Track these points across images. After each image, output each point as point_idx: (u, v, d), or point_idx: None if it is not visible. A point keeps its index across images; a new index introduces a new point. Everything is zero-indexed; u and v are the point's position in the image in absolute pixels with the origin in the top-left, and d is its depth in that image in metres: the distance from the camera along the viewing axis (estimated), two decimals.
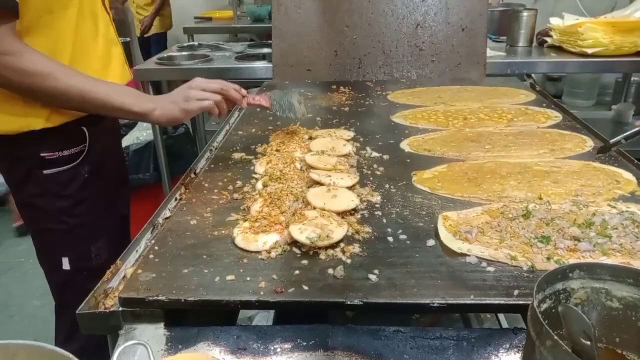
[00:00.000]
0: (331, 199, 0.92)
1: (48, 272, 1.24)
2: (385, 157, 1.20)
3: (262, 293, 0.70)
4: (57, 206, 1.17)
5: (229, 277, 0.74)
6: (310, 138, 1.29)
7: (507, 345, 0.66)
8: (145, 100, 1.12)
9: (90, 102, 1.07)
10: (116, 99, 1.08)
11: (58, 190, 1.17)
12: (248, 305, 0.70)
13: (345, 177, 1.03)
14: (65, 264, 1.20)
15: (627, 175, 1.05)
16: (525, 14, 2.65)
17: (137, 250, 0.87)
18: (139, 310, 0.71)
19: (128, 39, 4.12)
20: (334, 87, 1.84)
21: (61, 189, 1.17)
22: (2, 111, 1.08)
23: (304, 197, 0.95)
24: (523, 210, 0.89)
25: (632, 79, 3.30)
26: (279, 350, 0.66)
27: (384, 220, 0.90)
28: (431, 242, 0.82)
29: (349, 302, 0.69)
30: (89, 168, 1.22)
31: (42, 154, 1.15)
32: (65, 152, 1.17)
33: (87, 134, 1.20)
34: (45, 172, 1.16)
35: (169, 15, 4.89)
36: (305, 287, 0.71)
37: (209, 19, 5.11)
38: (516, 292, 0.69)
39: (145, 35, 4.75)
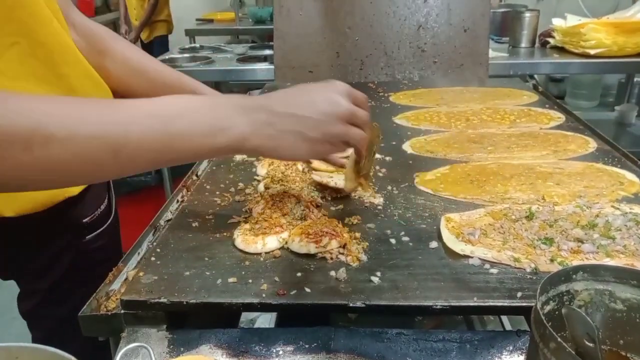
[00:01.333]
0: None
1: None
2: (388, 158, 1.20)
3: (264, 295, 0.70)
4: (98, 273, 0.87)
5: (231, 280, 0.74)
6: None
7: (511, 348, 0.66)
8: (229, 114, 0.64)
9: (130, 162, 0.60)
10: (178, 137, 0.61)
11: (100, 256, 0.98)
12: (250, 307, 0.70)
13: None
14: None
15: (631, 177, 1.04)
16: (527, 14, 2.65)
17: (138, 253, 0.87)
18: (140, 312, 0.71)
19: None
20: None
21: (103, 253, 0.99)
22: None
23: (304, 198, 0.95)
24: (526, 212, 0.89)
25: (635, 79, 3.30)
26: (281, 352, 0.66)
27: (387, 222, 0.90)
28: (434, 244, 0.82)
29: (351, 305, 0.68)
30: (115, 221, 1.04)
31: (83, 220, 0.96)
32: (102, 207, 1.00)
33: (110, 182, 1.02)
34: (86, 238, 0.97)
35: (170, 19, 4.90)
36: (308, 290, 0.71)
37: (211, 20, 5.12)
38: (519, 294, 0.69)
39: (146, 41, 4.76)
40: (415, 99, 1.70)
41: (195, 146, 0.61)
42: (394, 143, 1.30)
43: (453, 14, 1.94)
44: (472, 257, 0.77)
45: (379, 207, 0.95)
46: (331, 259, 0.78)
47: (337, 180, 1.00)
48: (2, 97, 0.53)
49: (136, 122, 0.57)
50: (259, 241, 0.82)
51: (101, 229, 1.02)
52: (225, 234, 0.88)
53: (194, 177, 1.16)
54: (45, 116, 0.53)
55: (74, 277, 0.97)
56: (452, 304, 0.68)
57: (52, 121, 0.53)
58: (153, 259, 0.81)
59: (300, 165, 1.12)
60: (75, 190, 0.91)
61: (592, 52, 2.33)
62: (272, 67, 2.10)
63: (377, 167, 1.14)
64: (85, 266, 0.96)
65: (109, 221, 1.05)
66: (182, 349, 0.68)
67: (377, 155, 1.20)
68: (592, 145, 1.23)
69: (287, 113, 0.66)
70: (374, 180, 1.07)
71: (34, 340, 1.02)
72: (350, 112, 0.70)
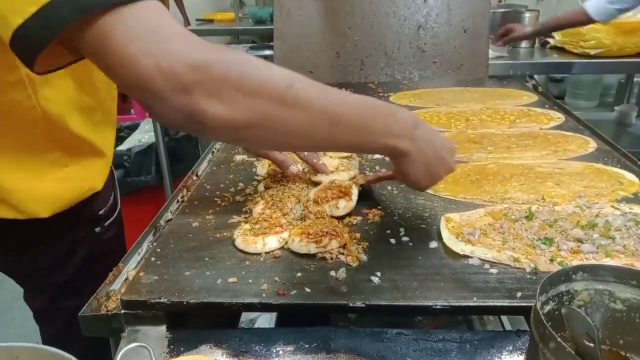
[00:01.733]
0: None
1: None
2: (388, 158, 1.19)
3: (264, 295, 0.70)
4: (107, 265, 0.91)
5: (231, 280, 0.74)
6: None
7: (511, 348, 0.66)
8: (395, 125, 0.73)
9: (340, 133, 0.67)
10: (374, 122, 0.70)
11: (109, 247, 1.02)
12: (250, 307, 0.70)
13: (344, 174, 1.04)
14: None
15: (631, 177, 1.04)
16: (527, 15, 2.65)
17: (139, 253, 0.87)
18: (141, 312, 0.71)
19: None
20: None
21: (110, 245, 1.03)
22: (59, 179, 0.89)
23: (306, 199, 0.95)
24: (526, 212, 0.89)
25: (634, 79, 3.29)
26: (281, 352, 0.66)
27: (387, 222, 0.90)
28: (434, 244, 0.82)
29: (351, 305, 0.68)
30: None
31: (99, 212, 1.01)
32: (111, 199, 1.04)
33: (112, 168, 1.06)
34: (96, 229, 1.01)
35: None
36: (308, 290, 0.71)
37: (211, 21, 5.12)
38: (519, 294, 0.69)
39: None
40: (415, 99, 1.70)
41: (373, 138, 0.71)
42: None
43: (453, 14, 1.94)
44: (472, 257, 0.77)
45: (379, 207, 0.95)
46: (331, 259, 0.78)
47: (334, 176, 1.02)
48: (264, 62, 0.61)
49: (351, 106, 0.68)
50: (259, 241, 0.82)
51: (109, 221, 1.05)
52: (225, 234, 0.88)
53: (194, 177, 1.16)
54: (297, 81, 0.62)
55: (86, 270, 0.99)
56: (452, 304, 0.68)
57: (301, 86, 0.62)
58: (153, 259, 0.81)
59: (300, 166, 1.12)
60: (99, 185, 0.96)
61: (591, 52, 2.34)
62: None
63: (377, 167, 1.14)
64: (96, 258, 0.98)
65: (115, 214, 1.08)
66: (182, 348, 0.68)
67: (377, 155, 1.20)
68: (591, 145, 1.23)
69: (436, 152, 0.79)
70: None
71: (44, 336, 1.03)
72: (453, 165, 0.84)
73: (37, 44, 0.55)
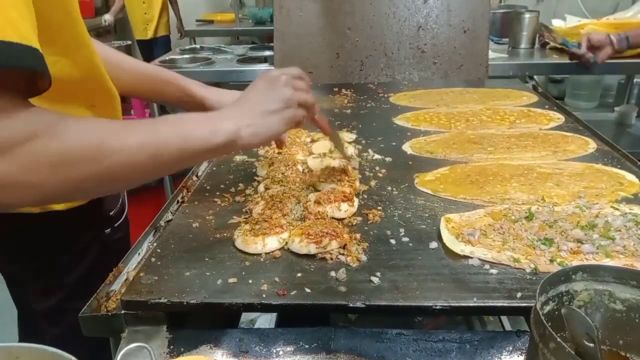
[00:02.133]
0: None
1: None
2: (388, 159, 1.20)
3: (264, 296, 0.70)
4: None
5: (231, 280, 0.74)
6: (312, 141, 1.30)
7: (510, 348, 0.66)
8: (224, 119, 0.75)
9: (162, 164, 0.69)
10: (192, 140, 0.71)
11: (116, 247, 1.01)
12: (250, 308, 0.70)
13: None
14: None
15: (631, 177, 1.05)
16: (527, 15, 2.65)
17: (139, 253, 0.87)
18: (141, 313, 0.71)
19: (129, 42, 4.14)
20: (336, 89, 1.84)
21: (118, 245, 1.03)
22: None
23: (305, 200, 0.95)
24: (526, 212, 0.89)
25: (634, 80, 3.30)
26: (281, 353, 0.66)
27: (386, 223, 0.90)
28: (434, 245, 0.82)
29: (351, 305, 0.68)
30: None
31: (111, 213, 1.03)
32: (120, 200, 1.06)
33: None
34: (106, 231, 1.02)
35: (168, 19, 4.90)
36: (308, 290, 0.71)
37: (211, 21, 5.13)
38: (519, 294, 0.69)
39: (150, 38, 4.77)
40: (415, 99, 1.70)
41: (201, 146, 0.72)
42: (394, 144, 1.30)
43: (453, 15, 1.95)
44: (471, 258, 0.78)
45: (379, 208, 0.95)
46: (331, 259, 0.78)
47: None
48: (65, 121, 0.61)
49: (165, 132, 0.69)
50: (259, 241, 0.82)
51: (118, 222, 1.07)
52: (225, 234, 0.88)
53: (194, 178, 1.16)
54: (107, 134, 0.63)
55: (95, 271, 0.99)
56: (452, 304, 0.68)
57: (112, 137, 0.63)
58: (153, 259, 0.81)
59: (300, 167, 1.12)
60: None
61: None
62: (272, 68, 2.10)
63: (377, 168, 1.14)
64: (104, 260, 0.98)
65: (123, 216, 1.10)
66: (182, 349, 0.68)
67: (377, 156, 1.21)
68: (591, 145, 1.23)
69: (249, 107, 0.78)
70: (374, 180, 1.07)
71: (52, 338, 1.03)
72: (287, 79, 0.82)
73: None
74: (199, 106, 1.11)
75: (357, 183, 1.04)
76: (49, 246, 0.96)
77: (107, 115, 0.94)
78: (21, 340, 1.08)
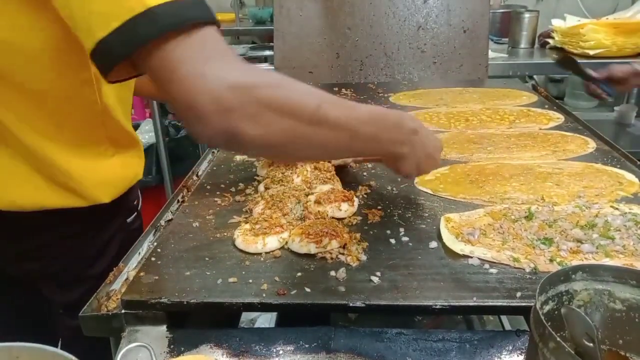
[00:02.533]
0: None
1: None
2: None
3: (264, 295, 0.70)
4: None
5: (231, 280, 0.74)
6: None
7: (510, 347, 0.66)
8: (399, 135, 0.81)
9: (356, 146, 0.75)
10: (381, 135, 0.77)
11: (136, 236, 1.01)
12: (250, 307, 0.70)
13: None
14: None
15: (630, 177, 1.05)
16: (527, 15, 2.65)
17: (139, 253, 0.87)
18: (141, 312, 0.71)
19: None
20: (336, 89, 1.84)
21: (137, 234, 1.02)
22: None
23: (305, 200, 0.95)
24: (525, 212, 0.89)
25: None
26: (281, 352, 0.66)
27: (386, 223, 0.90)
28: (433, 244, 0.82)
29: (351, 304, 0.69)
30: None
31: (134, 203, 1.07)
32: (136, 192, 1.09)
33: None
34: (128, 220, 1.05)
35: None
36: (308, 289, 0.71)
37: None
38: (519, 294, 0.69)
39: None
40: (415, 99, 1.70)
41: (380, 147, 0.79)
42: None
43: (453, 15, 1.95)
44: (471, 257, 0.78)
45: (379, 207, 0.95)
46: (331, 259, 0.79)
47: None
48: (295, 83, 0.67)
49: (367, 121, 0.74)
50: (259, 241, 0.82)
51: (136, 212, 1.10)
52: (225, 234, 0.88)
53: (195, 177, 1.16)
54: (324, 101, 0.68)
55: (117, 261, 1.00)
56: (452, 303, 0.68)
57: (328, 106, 0.68)
58: (153, 259, 0.81)
59: (299, 166, 1.12)
60: (140, 172, 1.03)
61: (591, 52, 2.33)
62: (272, 67, 2.10)
63: (377, 168, 1.14)
64: (125, 250, 0.99)
65: (139, 207, 1.13)
66: (182, 348, 0.68)
67: None
68: (591, 145, 1.23)
69: (427, 154, 0.87)
70: (373, 180, 1.08)
71: (68, 332, 1.03)
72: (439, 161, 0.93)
73: (115, 57, 0.60)
74: None
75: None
76: (83, 238, 0.98)
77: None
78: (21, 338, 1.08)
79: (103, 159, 0.94)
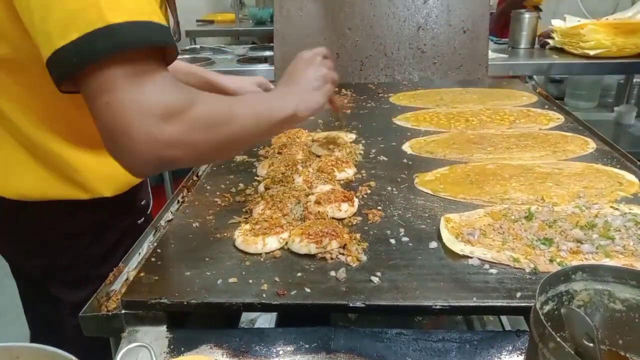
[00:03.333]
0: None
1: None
2: (387, 159, 1.20)
3: (264, 295, 0.70)
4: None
5: (231, 280, 0.74)
6: (313, 141, 1.30)
7: (510, 348, 0.66)
8: (285, 96, 0.90)
9: (263, 130, 0.83)
10: (280, 111, 0.84)
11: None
12: (250, 307, 0.70)
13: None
14: None
15: (630, 177, 1.05)
16: (527, 15, 2.65)
17: (139, 253, 0.87)
18: (141, 312, 0.71)
19: None
20: (336, 89, 1.83)
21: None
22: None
23: (305, 200, 0.95)
24: (525, 212, 0.89)
25: (634, 80, 3.29)
26: (281, 352, 0.66)
27: (386, 223, 0.90)
28: (433, 244, 0.82)
29: (351, 305, 0.69)
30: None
31: (142, 203, 1.06)
32: (146, 193, 1.09)
33: None
34: (139, 221, 1.06)
35: (167, 21, 4.90)
36: (308, 290, 0.71)
37: (211, 22, 5.13)
38: (519, 294, 0.69)
39: None
40: (415, 99, 1.70)
41: (278, 117, 0.84)
42: (393, 144, 1.30)
43: (453, 15, 1.95)
44: (471, 258, 0.78)
45: (379, 207, 0.95)
46: (331, 259, 0.79)
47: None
48: (201, 94, 0.72)
49: (258, 105, 0.83)
50: (259, 241, 0.82)
51: (146, 214, 1.10)
52: (225, 234, 0.88)
53: (195, 178, 1.16)
54: (230, 104, 0.78)
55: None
56: (452, 304, 0.68)
57: (234, 107, 0.76)
58: (154, 259, 0.81)
59: (299, 166, 1.12)
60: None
61: (591, 53, 2.34)
62: (272, 68, 2.10)
63: (377, 168, 1.15)
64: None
65: (150, 209, 1.13)
66: (182, 348, 0.68)
67: (382, 157, 1.21)
68: (591, 145, 1.23)
69: (299, 86, 0.94)
70: (373, 180, 1.08)
71: (74, 328, 1.03)
72: (321, 60, 1.02)
73: (70, 68, 0.61)
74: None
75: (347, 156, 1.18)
76: (90, 234, 0.98)
77: None
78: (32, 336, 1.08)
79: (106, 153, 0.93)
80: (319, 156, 1.19)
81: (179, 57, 0.75)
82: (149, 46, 0.63)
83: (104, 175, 0.93)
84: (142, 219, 1.08)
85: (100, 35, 0.59)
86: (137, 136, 0.62)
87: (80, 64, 0.60)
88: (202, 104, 0.70)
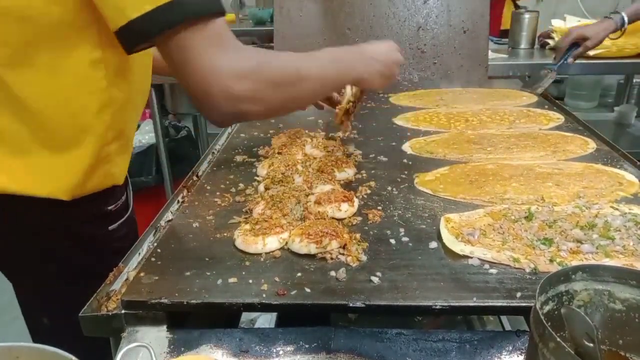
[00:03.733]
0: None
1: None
2: (387, 159, 1.20)
3: (264, 295, 0.70)
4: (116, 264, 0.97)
5: (231, 280, 0.74)
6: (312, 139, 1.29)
7: (510, 348, 0.66)
8: (355, 62, 1.02)
9: (329, 90, 1.03)
10: (346, 76, 1.00)
11: (119, 245, 1.00)
12: (250, 307, 0.70)
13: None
14: None
15: (630, 177, 1.05)
16: (527, 16, 2.65)
17: (139, 253, 0.87)
18: (141, 312, 0.71)
19: None
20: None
21: (122, 244, 1.01)
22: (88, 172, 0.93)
23: (305, 201, 0.95)
24: (525, 212, 0.89)
25: (634, 80, 3.29)
26: (281, 352, 0.66)
27: (386, 223, 0.90)
28: (433, 245, 0.82)
29: (351, 305, 0.69)
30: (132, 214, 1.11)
31: (108, 207, 1.03)
32: (123, 198, 1.07)
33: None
34: (110, 227, 1.04)
35: None
36: (308, 290, 0.71)
37: None
38: (519, 294, 0.69)
39: None
40: (415, 99, 1.70)
41: (339, 82, 1.01)
42: (393, 144, 1.30)
43: (453, 15, 1.95)
44: (471, 258, 0.78)
45: (379, 208, 0.95)
46: (331, 259, 0.79)
47: None
48: (271, 54, 0.90)
49: (329, 65, 0.95)
50: (259, 241, 0.82)
51: (122, 219, 1.07)
52: (225, 234, 0.88)
53: (195, 178, 1.16)
54: (299, 61, 0.87)
55: (101, 264, 0.99)
56: (452, 304, 0.68)
57: (304, 65, 0.87)
58: (153, 259, 0.81)
59: (299, 166, 1.12)
60: (121, 180, 1.03)
61: (591, 53, 2.33)
62: None
63: (377, 168, 1.14)
64: (111, 254, 0.98)
65: (128, 213, 1.10)
66: (182, 348, 0.68)
67: (382, 157, 1.21)
68: (591, 145, 1.23)
69: (374, 57, 1.05)
70: (373, 180, 1.08)
71: (47, 330, 1.02)
72: (399, 50, 1.13)
73: (143, 36, 0.72)
74: None
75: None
76: (53, 234, 0.96)
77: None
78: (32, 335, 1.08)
79: (75, 154, 0.91)
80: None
81: None
82: (212, 14, 0.72)
83: (62, 177, 0.91)
84: (116, 225, 1.05)
85: (169, 6, 0.68)
86: (216, 94, 0.73)
87: (150, 34, 0.71)
88: (271, 64, 0.81)
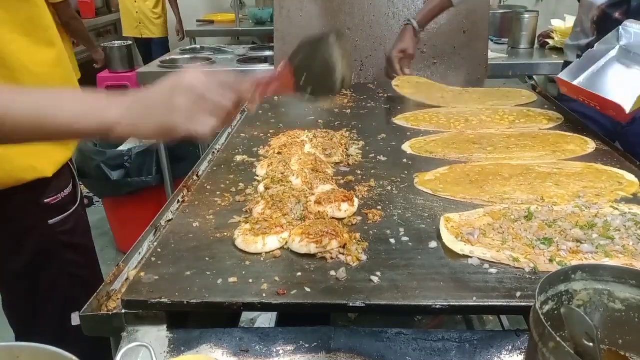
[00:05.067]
0: None
1: (53, 335, 1.00)
2: (387, 159, 1.20)
3: (264, 295, 0.70)
4: (67, 259, 0.98)
5: (231, 280, 0.74)
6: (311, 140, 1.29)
7: (510, 347, 0.66)
8: (103, 105, 0.68)
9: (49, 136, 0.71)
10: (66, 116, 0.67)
11: (67, 240, 1.00)
12: (250, 307, 0.70)
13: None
14: (75, 320, 1.03)
15: (630, 177, 1.05)
16: (526, 16, 2.66)
17: (139, 253, 0.87)
18: (141, 312, 0.71)
19: (130, 42, 4.13)
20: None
21: (69, 238, 1.01)
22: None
23: (306, 200, 0.96)
24: (525, 212, 0.89)
25: None
26: (281, 352, 0.66)
27: (386, 222, 0.90)
28: (433, 244, 0.82)
29: (351, 304, 0.69)
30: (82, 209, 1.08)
31: (45, 200, 1.01)
32: (66, 192, 1.04)
33: (74, 166, 1.07)
34: (50, 222, 1.02)
35: (165, 22, 4.91)
36: (308, 289, 0.71)
37: (211, 22, 5.12)
38: (518, 293, 0.69)
39: (145, 37, 4.78)
40: (418, 89, 1.69)
41: (62, 127, 0.68)
42: (393, 143, 1.30)
43: (452, 16, 1.95)
44: (471, 257, 0.78)
45: (379, 208, 0.95)
46: (331, 258, 0.79)
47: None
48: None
49: (17, 104, 0.66)
50: (260, 241, 0.82)
51: (66, 213, 1.05)
52: (225, 234, 0.88)
53: (195, 178, 1.16)
54: (8, 102, 0.64)
55: (42, 259, 0.98)
56: (452, 303, 0.68)
57: (13, 105, 0.64)
58: (154, 259, 0.81)
59: (293, 166, 1.12)
60: (49, 172, 0.96)
61: None
62: (273, 68, 2.10)
63: (377, 168, 1.14)
64: (54, 249, 0.97)
65: (75, 207, 1.08)
66: (182, 348, 0.68)
67: (382, 157, 1.21)
68: (591, 145, 1.23)
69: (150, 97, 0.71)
70: (373, 180, 1.08)
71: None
72: (216, 92, 0.73)
73: None
74: None
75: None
76: None
77: None
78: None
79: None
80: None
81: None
82: None
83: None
84: (57, 219, 1.03)
85: None
86: None
87: None
88: None
